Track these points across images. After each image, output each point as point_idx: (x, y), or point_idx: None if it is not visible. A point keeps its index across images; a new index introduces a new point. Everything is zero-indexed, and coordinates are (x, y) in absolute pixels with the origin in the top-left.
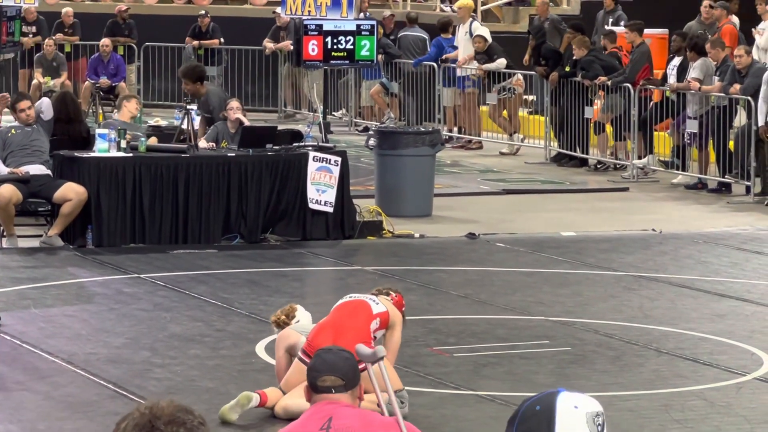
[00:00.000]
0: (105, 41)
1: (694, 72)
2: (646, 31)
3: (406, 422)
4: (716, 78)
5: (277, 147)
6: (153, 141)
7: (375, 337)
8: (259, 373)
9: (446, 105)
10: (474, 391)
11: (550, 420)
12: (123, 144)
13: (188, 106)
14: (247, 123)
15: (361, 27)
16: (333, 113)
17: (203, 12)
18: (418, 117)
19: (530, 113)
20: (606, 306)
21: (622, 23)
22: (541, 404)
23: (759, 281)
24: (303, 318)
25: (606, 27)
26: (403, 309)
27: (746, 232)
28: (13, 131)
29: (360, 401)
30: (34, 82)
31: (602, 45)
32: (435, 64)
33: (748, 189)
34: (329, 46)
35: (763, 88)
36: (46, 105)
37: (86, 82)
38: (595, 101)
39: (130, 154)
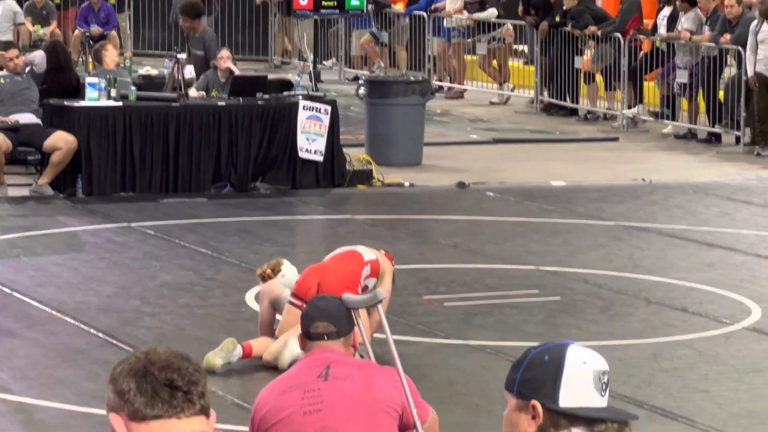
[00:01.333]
0: None
1: (686, 22)
2: None
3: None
4: (706, 28)
5: (267, 96)
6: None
7: (367, 286)
8: (248, 322)
9: (435, 54)
10: (464, 340)
11: (558, 372)
12: (113, 93)
13: (178, 55)
14: (237, 72)
15: None
16: (323, 62)
17: None
18: (408, 66)
19: (525, 64)
20: (595, 255)
21: None
22: (550, 354)
23: (748, 231)
24: (289, 272)
25: None
26: (393, 264)
27: (736, 181)
28: (1, 80)
29: (354, 350)
30: (23, 29)
31: None
32: (425, 14)
33: (737, 139)
34: None
35: (750, 38)
36: (39, 58)
37: (76, 31)
38: (585, 51)
39: (120, 103)
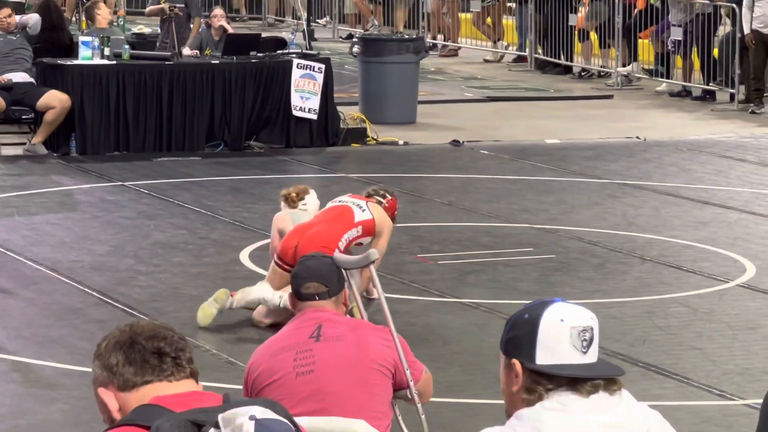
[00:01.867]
0: None
1: None
2: None
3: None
4: None
5: (261, 54)
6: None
7: (361, 243)
8: (243, 281)
9: (429, 12)
10: (458, 298)
11: (534, 330)
12: (106, 51)
13: (172, 14)
14: (231, 30)
15: None
16: (317, 21)
17: None
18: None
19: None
20: (590, 213)
21: None
22: (530, 313)
23: (742, 188)
24: (311, 204)
25: None
26: (395, 213)
27: (730, 139)
28: None
29: (346, 307)
30: None
31: None
32: None
33: (732, 96)
34: None
35: None
36: (34, 20)
37: None
38: (580, 8)
39: (114, 62)
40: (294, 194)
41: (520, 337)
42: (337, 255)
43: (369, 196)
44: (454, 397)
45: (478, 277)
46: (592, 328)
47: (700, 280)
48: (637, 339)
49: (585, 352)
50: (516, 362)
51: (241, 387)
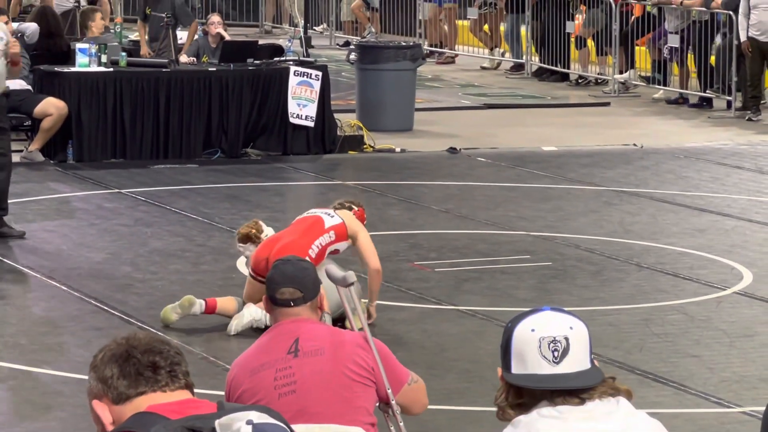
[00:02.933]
0: None
1: None
2: None
3: (374, 338)
4: None
5: (257, 62)
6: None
7: (337, 250)
8: (239, 288)
9: (425, 19)
10: (455, 305)
11: (509, 339)
12: (104, 59)
13: (169, 22)
14: (227, 38)
15: None
16: (314, 28)
17: None
18: (398, 31)
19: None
20: (587, 221)
21: None
22: (513, 322)
23: (739, 196)
24: (269, 232)
25: None
26: (364, 223)
27: (727, 146)
28: None
29: (321, 312)
30: None
31: None
32: None
33: (729, 104)
34: None
35: (742, 3)
36: (31, 30)
37: None
38: (577, 16)
39: (111, 69)
40: (254, 231)
41: (501, 345)
42: (329, 268)
43: (336, 208)
44: (451, 404)
45: (475, 284)
46: (566, 338)
47: (697, 287)
48: (635, 346)
49: (557, 362)
50: (499, 370)
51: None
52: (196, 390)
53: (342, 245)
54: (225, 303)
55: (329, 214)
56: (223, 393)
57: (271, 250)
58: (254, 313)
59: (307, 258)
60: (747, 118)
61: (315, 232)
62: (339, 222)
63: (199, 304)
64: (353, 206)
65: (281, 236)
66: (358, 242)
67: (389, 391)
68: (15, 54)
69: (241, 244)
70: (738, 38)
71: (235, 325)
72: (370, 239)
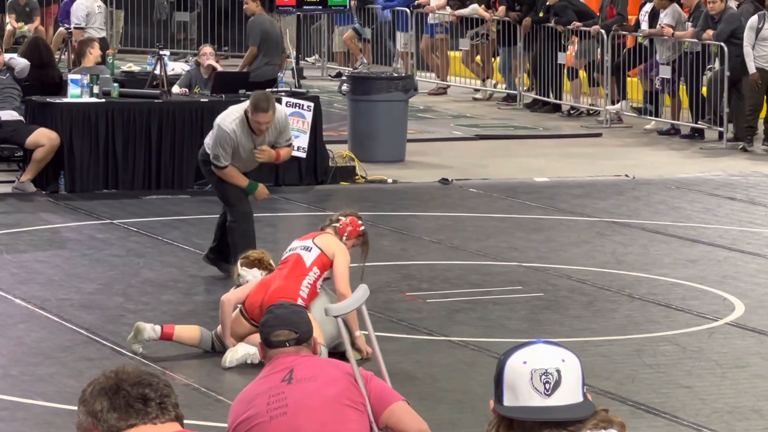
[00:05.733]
0: None
1: (666, 18)
2: None
3: (361, 369)
4: (689, 24)
5: (249, 92)
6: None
7: (328, 278)
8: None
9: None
10: (447, 336)
11: (500, 372)
12: (95, 89)
13: (161, 52)
14: (219, 69)
15: None
16: (306, 59)
17: None
18: (388, 62)
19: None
20: (579, 251)
21: None
22: (505, 354)
23: (731, 227)
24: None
25: None
26: (359, 229)
27: (719, 177)
28: None
29: (316, 354)
30: (8, 28)
31: None
32: (407, 9)
33: (720, 135)
34: None
35: (747, 33)
36: (21, 66)
37: (59, 28)
38: (569, 47)
39: (103, 100)
40: (265, 258)
41: (494, 377)
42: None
43: (322, 229)
44: None
45: (467, 315)
46: (558, 371)
47: (689, 318)
48: (627, 377)
49: (548, 395)
50: (491, 403)
51: (227, 425)
52: (189, 420)
53: (330, 272)
54: (186, 331)
55: (307, 248)
56: (214, 424)
57: (263, 296)
58: (248, 348)
59: (300, 301)
60: (741, 147)
61: (299, 273)
62: (318, 254)
63: (151, 328)
64: (341, 218)
65: (271, 280)
66: (333, 266)
67: (373, 424)
68: None
69: (245, 268)
70: (730, 69)
71: (229, 358)
72: (344, 263)
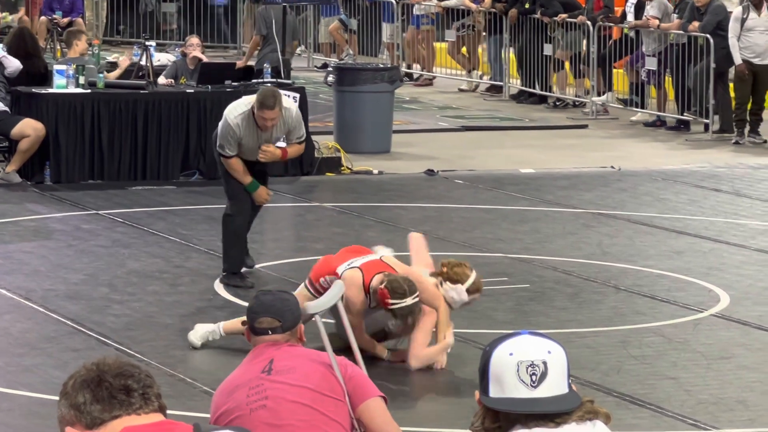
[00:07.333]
0: None
1: (652, 10)
2: None
3: (338, 357)
4: (675, 15)
5: (235, 83)
6: (113, 75)
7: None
8: (217, 310)
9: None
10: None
11: (486, 363)
12: (81, 80)
13: (146, 43)
14: (205, 59)
15: None
16: None
17: None
18: (376, 53)
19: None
20: (565, 243)
21: None
22: (490, 346)
23: (716, 218)
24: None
25: None
26: (385, 301)
27: (704, 169)
28: None
29: (301, 343)
30: None
31: None
32: (393, 1)
33: (706, 126)
34: None
35: (732, 25)
36: (14, 69)
37: (42, 18)
38: (555, 38)
39: (89, 91)
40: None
41: (479, 369)
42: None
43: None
44: (428, 426)
45: None
46: (544, 363)
47: (675, 309)
48: (612, 368)
49: (535, 387)
50: (477, 394)
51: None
52: (174, 412)
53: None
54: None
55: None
56: (200, 414)
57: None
58: (206, 326)
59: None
60: (733, 141)
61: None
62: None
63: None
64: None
65: (337, 257)
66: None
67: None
68: None
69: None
70: (716, 61)
71: (192, 338)
72: (358, 321)
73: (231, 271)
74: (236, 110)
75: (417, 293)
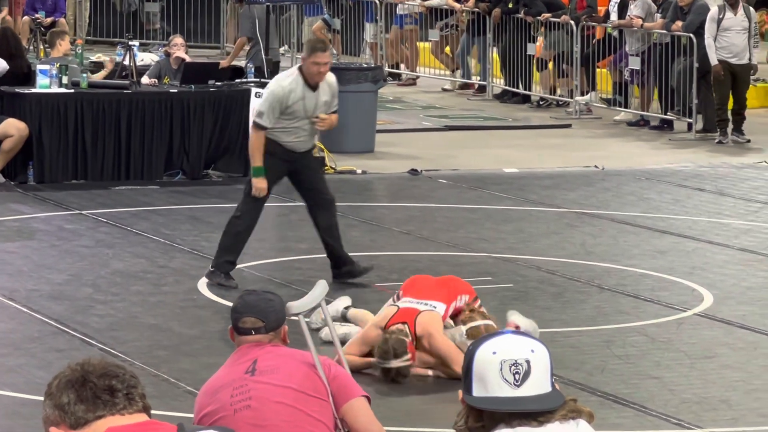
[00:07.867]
0: None
1: (635, 9)
2: None
3: (322, 357)
4: (658, 15)
5: (219, 83)
6: (100, 76)
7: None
8: (201, 310)
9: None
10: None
11: (470, 362)
12: (65, 80)
13: (130, 42)
14: (188, 59)
15: None
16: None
17: None
18: (357, 52)
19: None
20: (548, 242)
21: None
22: (473, 345)
23: (700, 218)
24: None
25: None
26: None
27: (688, 168)
28: None
29: (285, 343)
30: None
31: None
32: (377, 0)
33: (689, 126)
34: None
35: (709, 25)
36: (1, 68)
37: (25, 17)
38: (538, 38)
39: (72, 90)
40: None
41: (463, 368)
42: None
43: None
44: (411, 425)
45: None
46: (527, 362)
47: (658, 309)
48: (596, 368)
49: (518, 385)
50: (460, 393)
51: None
52: (159, 412)
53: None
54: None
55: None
56: (184, 414)
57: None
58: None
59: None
60: (717, 141)
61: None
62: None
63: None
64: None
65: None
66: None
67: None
68: None
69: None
70: (699, 60)
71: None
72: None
73: (219, 270)
74: (284, 79)
75: (407, 356)
